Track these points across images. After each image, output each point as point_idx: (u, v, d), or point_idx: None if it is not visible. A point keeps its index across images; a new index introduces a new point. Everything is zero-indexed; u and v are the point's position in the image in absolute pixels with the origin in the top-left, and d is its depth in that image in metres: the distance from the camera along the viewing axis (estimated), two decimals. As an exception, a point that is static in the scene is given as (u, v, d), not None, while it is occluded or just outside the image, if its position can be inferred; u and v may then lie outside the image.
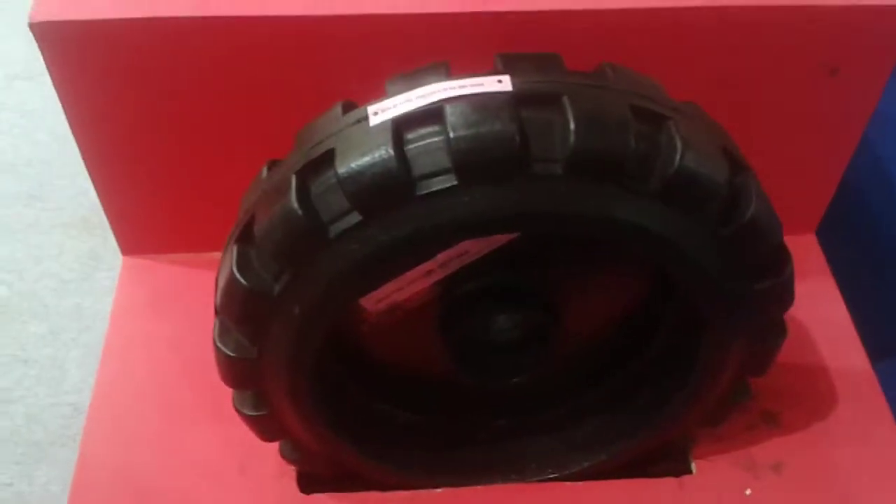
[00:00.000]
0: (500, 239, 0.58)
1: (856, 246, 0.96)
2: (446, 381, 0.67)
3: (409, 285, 0.61)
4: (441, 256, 0.59)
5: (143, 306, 0.83)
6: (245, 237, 0.55)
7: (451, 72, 0.53)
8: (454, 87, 0.51)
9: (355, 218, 0.51)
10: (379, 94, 0.54)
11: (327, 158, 0.51)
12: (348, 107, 0.54)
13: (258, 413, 0.62)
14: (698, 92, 0.60)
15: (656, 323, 0.68)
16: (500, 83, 0.51)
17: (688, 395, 0.64)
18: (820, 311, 0.82)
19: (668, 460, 0.73)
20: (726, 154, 0.54)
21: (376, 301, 0.62)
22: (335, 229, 0.51)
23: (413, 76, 0.54)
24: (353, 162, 0.49)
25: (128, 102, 0.72)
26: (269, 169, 0.57)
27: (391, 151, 0.49)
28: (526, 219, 0.51)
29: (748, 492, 0.70)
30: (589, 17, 0.66)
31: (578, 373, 0.71)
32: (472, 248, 0.59)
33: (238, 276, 0.54)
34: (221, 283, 0.56)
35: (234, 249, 0.55)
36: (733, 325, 0.59)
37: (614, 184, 0.51)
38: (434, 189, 0.50)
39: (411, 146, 0.50)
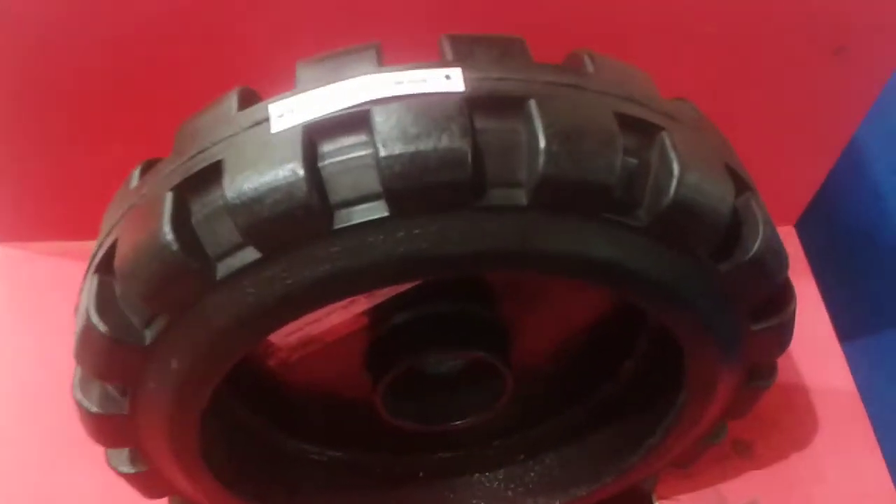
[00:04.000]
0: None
1: (833, 241, 0.86)
2: (375, 411, 0.56)
3: (326, 316, 0.49)
4: (367, 285, 0.47)
5: (10, 306, 0.69)
6: (107, 267, 0.42)
7: (383, 57, 0.40)
8: (387, 83, 0.38)
9: (251, 255, 0.38)
10: (287, 81, 0.41)
11: (214, 174, 0.38)
12: (246, 99, 0.41)
13: (137, 471, 0.50)
14: (685, 73, 0.48)
15: (623, 353, 0.57)
16: (449, 79, 0.38)
17: (659, 440, 0.54)
18: (799, 318, 0.72)
19: (628, 500, 0.63)
20: (730, 172, 0.43)
21: (285, 334, 0.49)
22: (224, 268, 0.39)
23: (332, 62, 0.40)
24: (247, 183, 0.37)
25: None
26: (143, 173, 0.44)
27: (300, 171, 0.36)
28: (479, 259, 0.39)
29: (720, 540, 0.61)
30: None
31: (533, 404, 0.60)
32: (406, 275, 0.47)
33: (96, 320, 0.41)
34: (78, 326, 0.43)
35: (94, 282, 0.42)
36: (722, 370, 0.49)
37: (593, 217, 0.39)
38: (358, 221, 0.37)
39: (327, 162, 0.38)
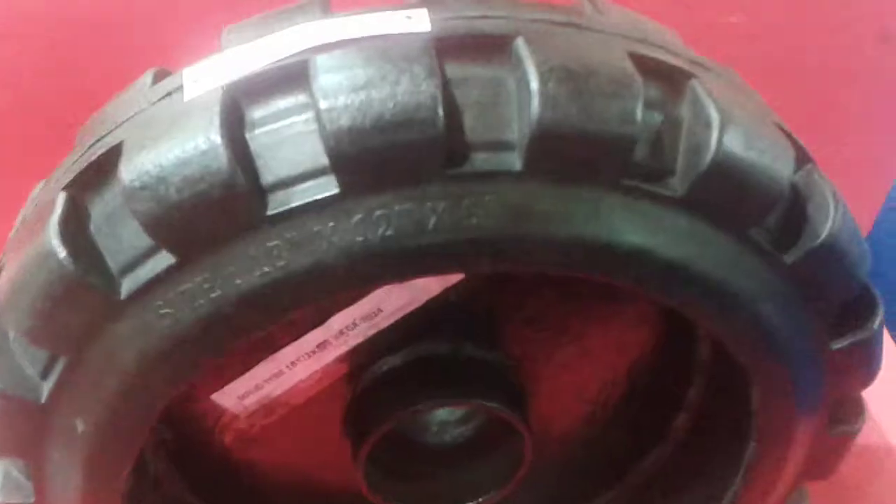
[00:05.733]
0: (428, 287, 0.37)
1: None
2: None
3: (290, 370, 0.39)
4: (336, 321, 0.37)
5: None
6: (-6, 302, 0.32)
7: (330, 8, 0.32)
8: (331, 29, 0.30)
9: (164, 261, 0.29)
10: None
11: (113, 161, 0.29)
12: (162, 75, 0.33)
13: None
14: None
15: (673, 405, 0.46)
16: (411, 20, 0.30)
17: (725, 513, 0.42)
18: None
19: None
20: (784, 134, 0.33)
21: (238, 397, 0.39)
22: (130, 283, 0.29)
23: (268, 20, 0.32)
24: (148, 161, 0.28)
25: None
26: (48, 182, 0.35)
27: (216, 138, 0.27)
28: (460, 250, 0.29)
29: None
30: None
31: (559, 491, 0.49)
32: (385, 305, 0.37)
33: (-24, 371, 0.31)
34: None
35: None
36: (798, 404, 0.38)
37: (611, 184, 0.30)
38: (299, 203, 0.28)
39: (258, 132, 0.29)
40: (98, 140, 0.31)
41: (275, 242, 0.28)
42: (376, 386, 0.40)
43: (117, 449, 0.32)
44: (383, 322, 0.38)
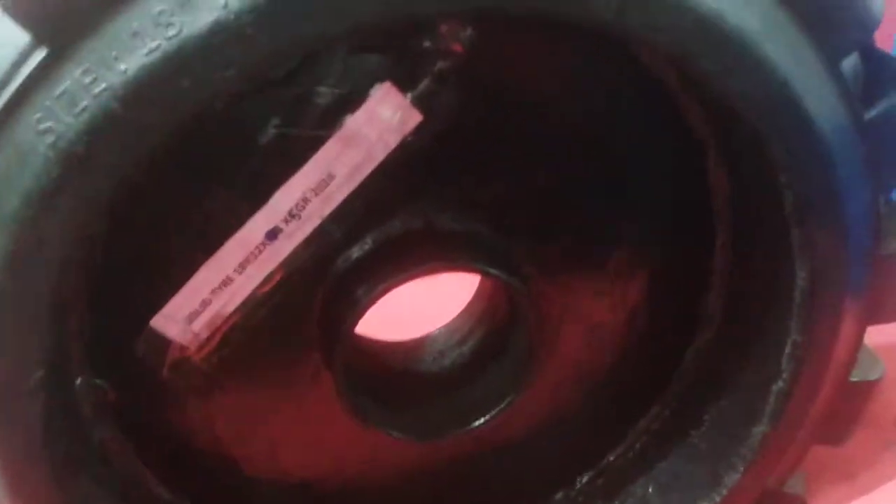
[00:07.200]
0: (383, 139, 0.31)
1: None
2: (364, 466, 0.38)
3: (239, 274, 0.33)
4: (282, 198, 0.31)
5: None
6: None
7: None
8: None
9: (35, 59, 0.24)
10: None
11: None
12: None
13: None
14: None
15: (699, 282, 0.40)
16: None
17: (790, 377, 0.35)
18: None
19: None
20: None
21: (184, 319, 0.33)
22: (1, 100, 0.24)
23: None
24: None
25: None
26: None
27: None
28: None
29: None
30: None
31: (595, 424, 0.41)
32: (335, 168, 0.31)
33: None
34: None
35: None
36: (839, 188, 0.32)
37: None
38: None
39: None
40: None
41: (161, 7, 0.23)
42: (346, 280, 0.33)
43: (19, 342, 0.26)
44: (338, 194, 0.32)
